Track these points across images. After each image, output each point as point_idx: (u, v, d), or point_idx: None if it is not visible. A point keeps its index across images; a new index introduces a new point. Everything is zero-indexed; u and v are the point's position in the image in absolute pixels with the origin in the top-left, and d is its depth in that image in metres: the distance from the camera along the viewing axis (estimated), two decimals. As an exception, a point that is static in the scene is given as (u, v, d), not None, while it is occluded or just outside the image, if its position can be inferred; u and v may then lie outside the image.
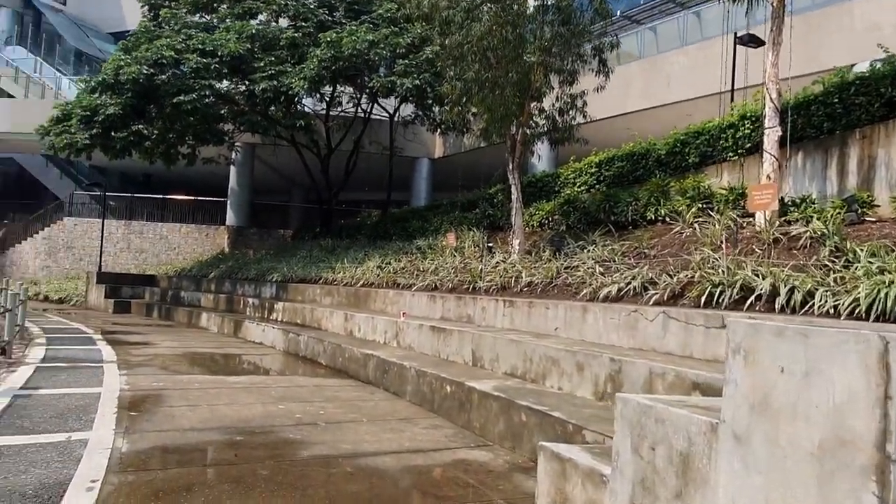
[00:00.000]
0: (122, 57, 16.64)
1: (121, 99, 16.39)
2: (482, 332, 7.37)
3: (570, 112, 10.77)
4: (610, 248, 8.56)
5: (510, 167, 10.61)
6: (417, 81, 16.07)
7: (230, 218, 26.12)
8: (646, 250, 8.17)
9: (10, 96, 30.53)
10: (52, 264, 27.85)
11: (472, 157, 20.89)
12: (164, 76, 16.18)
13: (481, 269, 9.85)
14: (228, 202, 26.09)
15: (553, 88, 10.72)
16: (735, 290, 5.70)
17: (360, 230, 19.45)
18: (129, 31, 20.78)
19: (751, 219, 7.48)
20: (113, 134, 16.99)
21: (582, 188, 11.61)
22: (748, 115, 9.09)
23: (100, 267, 23.90)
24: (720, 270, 6.04)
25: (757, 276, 5.70)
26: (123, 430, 5.19)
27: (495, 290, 9.12)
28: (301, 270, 15.66)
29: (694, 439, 2.64)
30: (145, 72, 15.87)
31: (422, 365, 7.18)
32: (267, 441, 5.10)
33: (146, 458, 4.47)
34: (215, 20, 18.57)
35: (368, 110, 20.08)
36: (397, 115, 20.04)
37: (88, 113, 16.67)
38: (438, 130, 19.97)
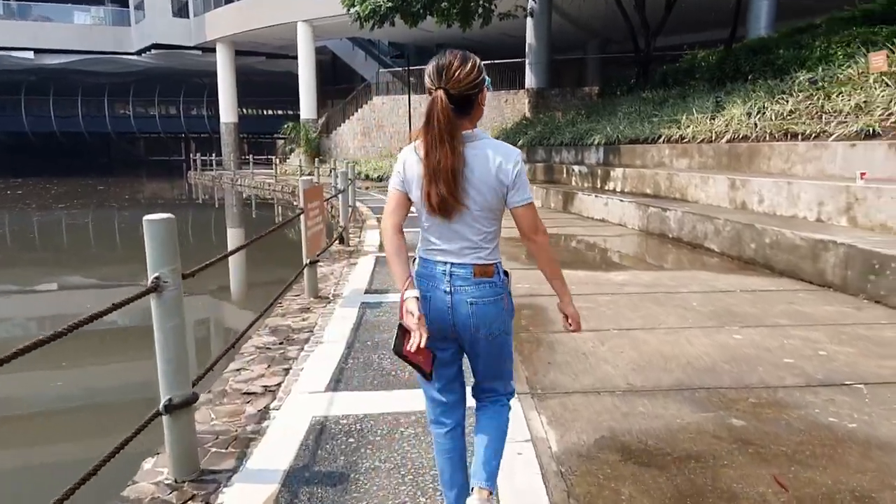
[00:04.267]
0: None
1: (417, -49, 14.76)
2: None
3: None
4: None
5: None
6: None
7: (529, 80, 23.87)
8: None
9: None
10: (367, 144, 29.23)
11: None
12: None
13: None
14: (527, 62, 23.75)
15: None
16: None
17: (690, 75, 15.56)
18: None
19: None
20: (412, -4, 15.68)
21: None
22: None
23: (409, 143, 23.99)
24: None
25: None
26: (529, 389, 3.23)
27: None
28: (628, 129, 12.75)
29: None
30: None
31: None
32: (791, 434, 2.63)
33: (597, 484, 2.35)
34: None
35: None
36: None
37: (388, -26, 15.42)
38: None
